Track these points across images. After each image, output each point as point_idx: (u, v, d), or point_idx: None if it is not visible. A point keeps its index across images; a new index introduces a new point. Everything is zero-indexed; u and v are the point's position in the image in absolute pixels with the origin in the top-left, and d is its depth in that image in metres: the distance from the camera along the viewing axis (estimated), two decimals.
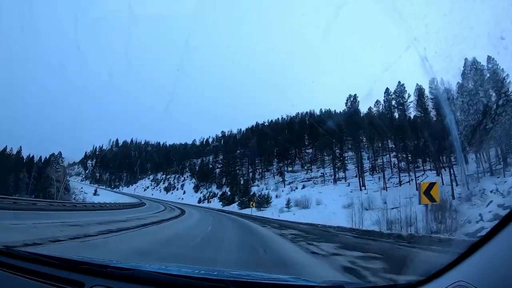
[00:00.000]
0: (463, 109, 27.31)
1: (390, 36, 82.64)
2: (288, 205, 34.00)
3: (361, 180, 46.00)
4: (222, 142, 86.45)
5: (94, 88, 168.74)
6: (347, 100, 49.31)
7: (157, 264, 2.27)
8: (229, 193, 57.81)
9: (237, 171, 70.67)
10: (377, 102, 49.05)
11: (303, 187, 52.51)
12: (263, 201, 39.07)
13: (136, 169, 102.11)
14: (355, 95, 51.41)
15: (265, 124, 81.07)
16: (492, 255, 0.98)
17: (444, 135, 27.55)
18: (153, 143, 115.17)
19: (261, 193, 42.55)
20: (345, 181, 50.34)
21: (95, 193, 64.27)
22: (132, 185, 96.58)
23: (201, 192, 72.32)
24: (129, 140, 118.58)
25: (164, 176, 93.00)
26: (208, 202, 57.75)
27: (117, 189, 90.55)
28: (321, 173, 54.65)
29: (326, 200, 36.63)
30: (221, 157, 79.49)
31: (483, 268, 1.01)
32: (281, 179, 60.20)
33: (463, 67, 30.69)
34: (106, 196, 57.48)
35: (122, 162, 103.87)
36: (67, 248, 5.24)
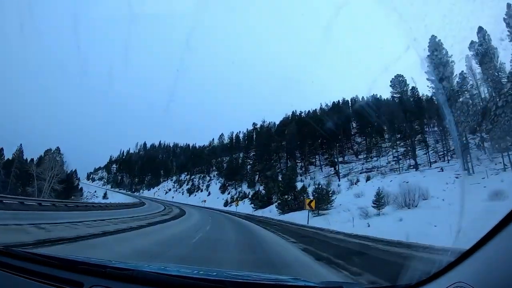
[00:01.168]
0: None
1: (390, 37, 78.24)
2: (378, 202, 18.80)
3: (465, 162, 29.81)
4: (254, 136, 73.27)
5: (123, 93, 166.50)
6: (429, 45, 32.99)
7: (156, 264, 2.28)
8: (263, 191, 43.47)
9: (273, 163, 57.00)
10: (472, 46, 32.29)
11: (368, 178, 37.57)
12: (323, 199, 24.00)
13: (161, 171, 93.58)
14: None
15: (302, 114, 67.99)
16: (492, 256, 0.96)
17: None
18: (182, 145, 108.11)
19: (319, 186, 26.22)
20: (430, 167, 35.33)
21: (104, 196, 55.46)
22: (153, 188, 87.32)
23: (228, 193, 59.22)
24: (157, 143, 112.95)
25: (188, 176, 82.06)
26: (236, 205, 43.96)
27: (137, 193, 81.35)
28: (394, 157, 39.31)
29: (432, 191, 21.65)
30: (253, 153, 66.25)
31: (483, 269, 0.98)
32: (333, 171, 45.19)
33: None
34: (114, 198, 52.30)
35: (145, 165, 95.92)
36: None
